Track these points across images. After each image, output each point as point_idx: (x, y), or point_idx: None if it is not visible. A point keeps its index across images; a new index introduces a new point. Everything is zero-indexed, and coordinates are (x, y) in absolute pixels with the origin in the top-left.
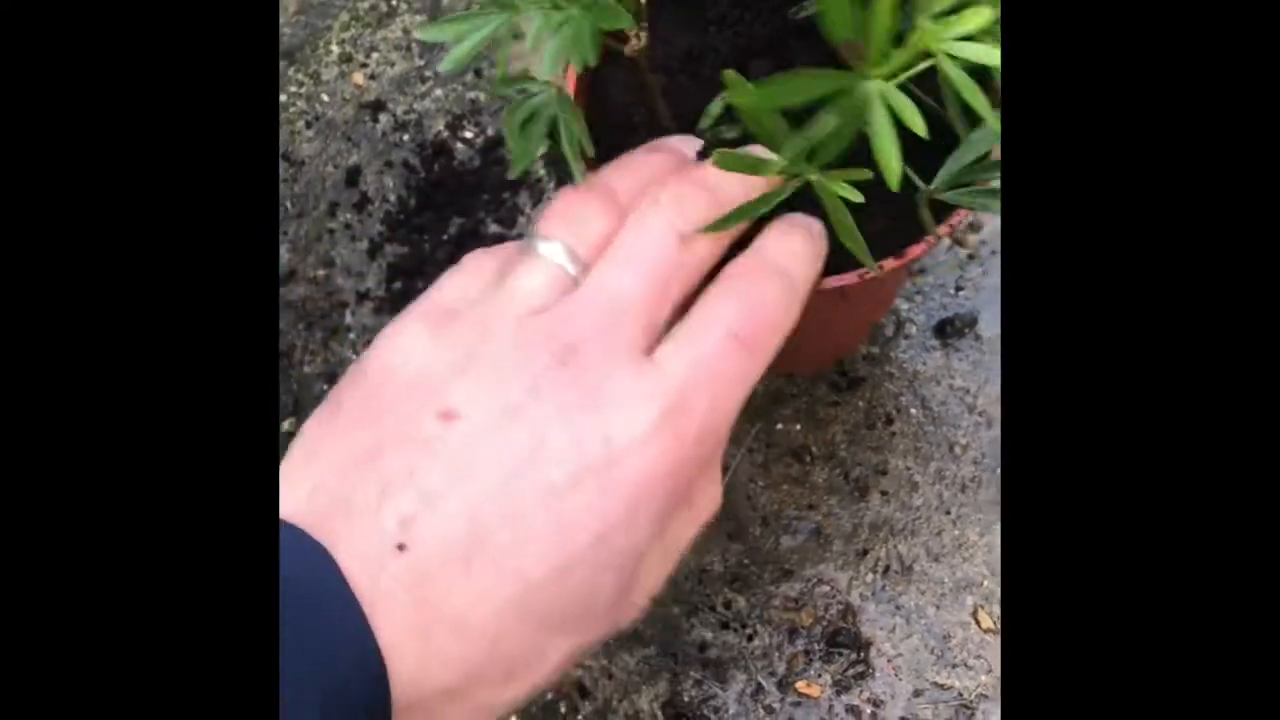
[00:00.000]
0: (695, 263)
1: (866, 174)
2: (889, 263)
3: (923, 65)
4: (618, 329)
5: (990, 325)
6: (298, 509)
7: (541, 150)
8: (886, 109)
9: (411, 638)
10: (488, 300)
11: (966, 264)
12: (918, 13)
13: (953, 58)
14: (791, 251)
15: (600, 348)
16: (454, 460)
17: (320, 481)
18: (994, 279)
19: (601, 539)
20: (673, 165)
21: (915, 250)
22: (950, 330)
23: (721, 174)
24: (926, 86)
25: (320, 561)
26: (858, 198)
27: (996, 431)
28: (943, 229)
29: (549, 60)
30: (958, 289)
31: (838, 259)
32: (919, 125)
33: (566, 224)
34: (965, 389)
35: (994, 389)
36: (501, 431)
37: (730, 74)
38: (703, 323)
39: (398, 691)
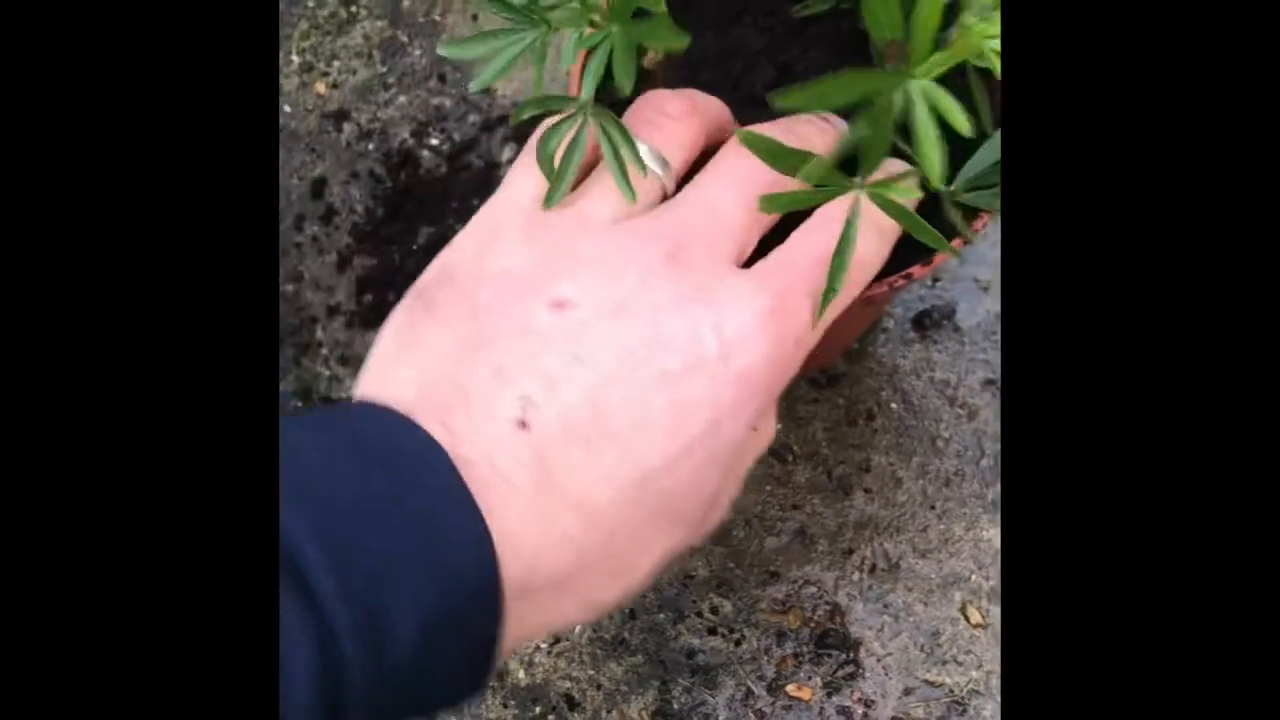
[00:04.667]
0: None
1: (917, 193)
2: (917, 270)
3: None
4: (719, 238)
5: (968, 316)
6: (401, 395)
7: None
8: (931, 112)
9: (530, 517)
10: (577, 203)
11: None
12: (963, 10)
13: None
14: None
15: (705, 251)
16: (571, 345)
17: (427, 368)
18: (971, 269)
19: (714, 428)
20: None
21: (944, 252)
22: (929, 322)
23: (811, 131)
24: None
25: (427, 445)
26: (918, 195)
27: (979, 424)
28: (976, 224)
29: (590, 80)
30: (934, 280)
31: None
32: (964, 126)
33: (650, 130)
34: (945, 381)
35: (974, 380)
36: (617, 320)
37: (775, 95)
38: (799, 245)
39: (511, 575)
